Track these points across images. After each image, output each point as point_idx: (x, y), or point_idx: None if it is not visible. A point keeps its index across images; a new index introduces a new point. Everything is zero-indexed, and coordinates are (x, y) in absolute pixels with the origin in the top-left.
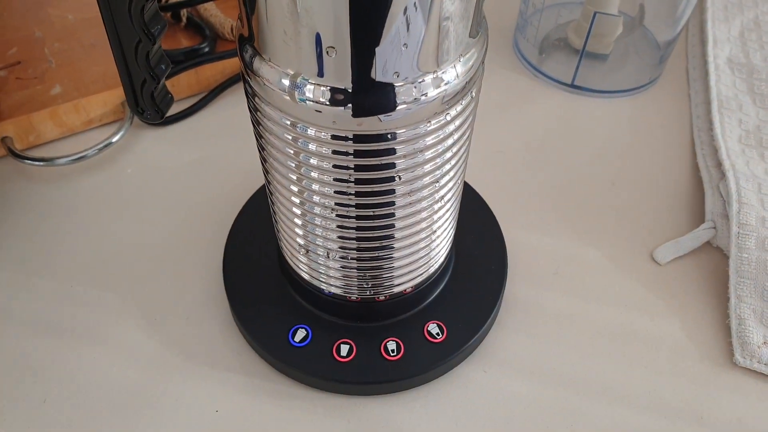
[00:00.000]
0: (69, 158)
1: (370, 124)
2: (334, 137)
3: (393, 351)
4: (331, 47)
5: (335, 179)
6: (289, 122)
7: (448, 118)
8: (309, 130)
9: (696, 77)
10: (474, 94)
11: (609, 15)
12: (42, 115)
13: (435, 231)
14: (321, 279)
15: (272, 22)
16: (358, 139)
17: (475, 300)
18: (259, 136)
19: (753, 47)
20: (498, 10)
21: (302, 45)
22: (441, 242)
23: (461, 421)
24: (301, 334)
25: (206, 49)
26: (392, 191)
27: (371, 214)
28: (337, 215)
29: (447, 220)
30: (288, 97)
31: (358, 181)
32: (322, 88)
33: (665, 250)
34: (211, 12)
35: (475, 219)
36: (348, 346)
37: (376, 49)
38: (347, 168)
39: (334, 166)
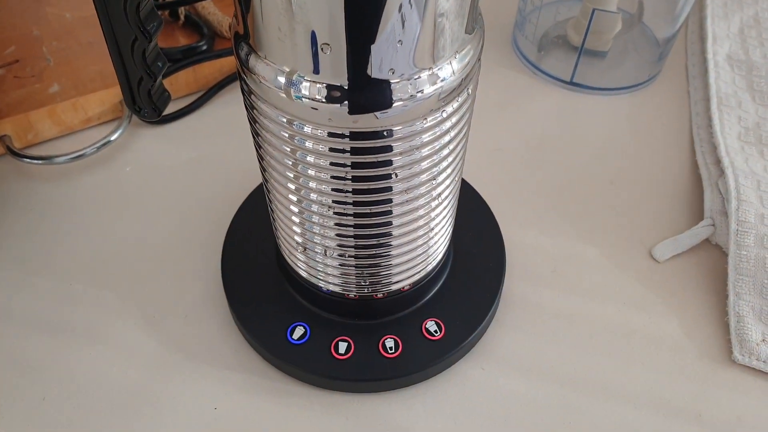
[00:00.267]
0: (67, 157)
1: (366, 121)
2: (330, 134)
3: (391, 348)
4: (326, 44)
5: (332, 177)
6: (285, 120)
7: (445, 114)
8: (305, 127)
9: (695, 74)
10: (470, 90)
11: (608, 12)
12: (40, 114)
13: (433, 228)
14: (319, 277)
15: (267, 20)
16: (354, 136)
17: (473, 298)
18: (255, 133)
19: (752, 44)
20: (496, 7)
21: (297, 42)
22: (439, 240)
23: (459, 418)
24: (299, 331)
25: (204, 47)
26: (389, 188)
27: (368, 211)
28: (335, 213)
29: (445, 217)
30: (284, 95)
31: (355, 179)
32: (318, 85)
33: (664, 248)
34: (208, 10)
35: (474, 217)
36: (346, 344)
37: (372, 46)
38: (344, 165)
39: (331, 164)
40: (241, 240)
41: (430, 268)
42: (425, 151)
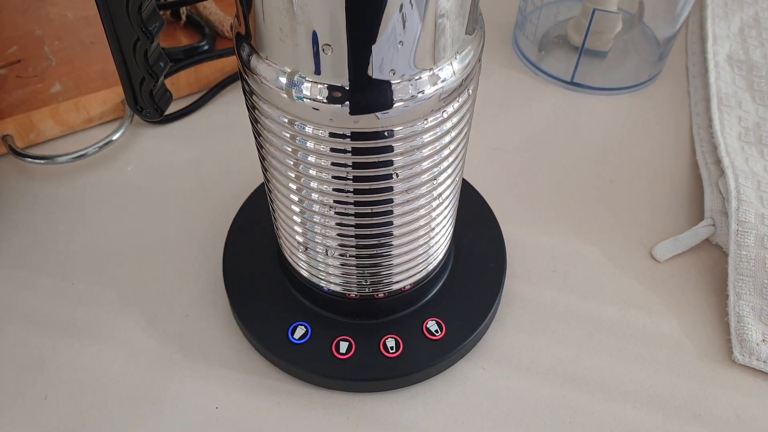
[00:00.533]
0: (69, 156)
1: (367, 122)
2: (331, 135)
3: (392, 348)
4: (328, 45)
5: (333, 177)
6: (286, 120)
7: (445, 115)
8: (306, 127)
9: (695, 74)
10: (471, 91)
11: (608, 12)
12: (42, 113)
13: (433, 228)
14: (320, 276)
15: (269, 20)
16: (355, 136)
17: (473, 297)
18: (257, 134)
19: (753, 44)
20: (497, 7)
21: (299, 43)
22: (440, 239)
23: (460, 418)
24: (300, 331)
25: (205, 48)
26: (390, 188)
27: (369, 211)
28: (336, 213)
29: (445, 217)
30: (285, 95)
31: (356, 179)
32: (319, 85)
33: (664, 248)
34: (210, 10)
35: (474, 216)
36: (347, 343)
37: (373, 47)
38: (345, 165)
39: (332, 164)
40: (243, 239)
41: (430, 267)
42: (426, 152)
